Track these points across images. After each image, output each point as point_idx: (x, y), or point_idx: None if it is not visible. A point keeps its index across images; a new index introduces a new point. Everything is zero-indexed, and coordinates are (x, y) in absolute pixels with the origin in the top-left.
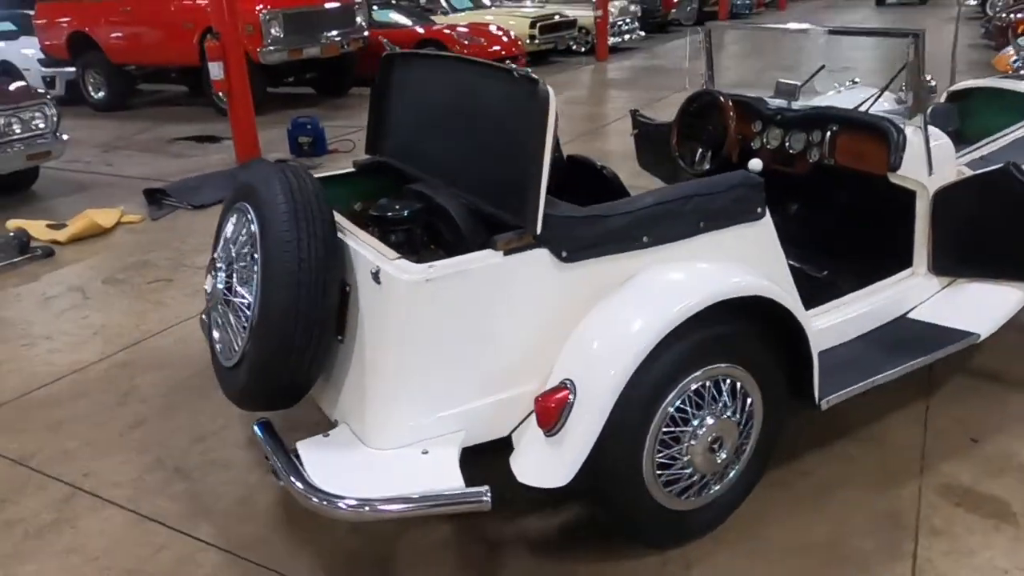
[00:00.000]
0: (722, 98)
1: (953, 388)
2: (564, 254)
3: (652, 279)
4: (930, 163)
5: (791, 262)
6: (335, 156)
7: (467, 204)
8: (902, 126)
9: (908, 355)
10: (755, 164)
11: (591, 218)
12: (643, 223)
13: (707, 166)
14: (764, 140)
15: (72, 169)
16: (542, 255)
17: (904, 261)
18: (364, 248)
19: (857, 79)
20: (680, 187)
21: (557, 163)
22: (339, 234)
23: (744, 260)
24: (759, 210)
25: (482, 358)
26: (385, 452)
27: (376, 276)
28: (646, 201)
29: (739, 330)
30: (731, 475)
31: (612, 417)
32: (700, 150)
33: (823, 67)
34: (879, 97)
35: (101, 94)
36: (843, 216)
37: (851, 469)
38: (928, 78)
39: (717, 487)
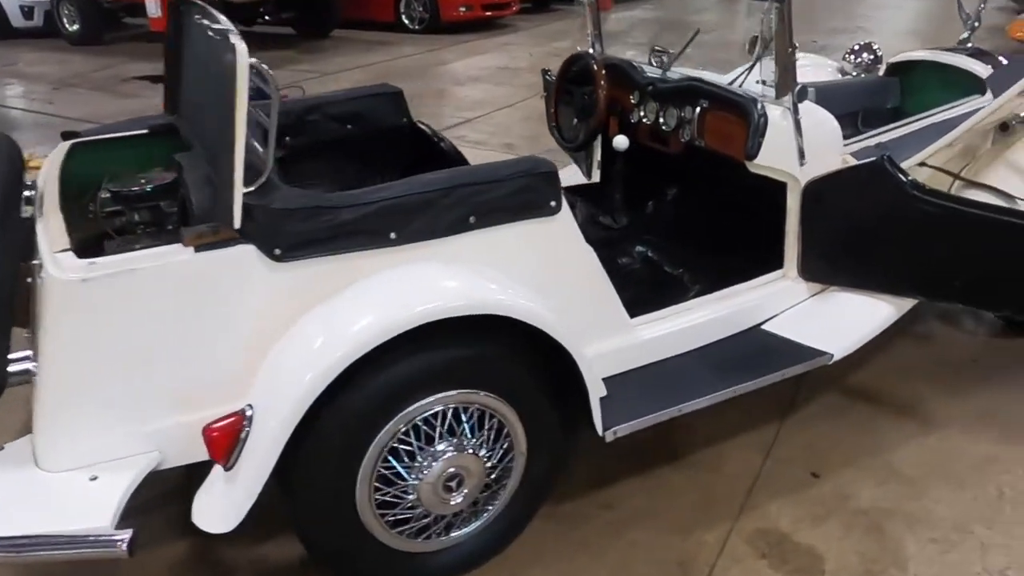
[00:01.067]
0: (594, 63)
1: (817, 407)
2: (277, 252)
3: (367, 288)
4: (801, 151)
5: (650, 255)
6: (283, 103)
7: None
8: (764, 106)
9: (740, 375)
10: (620, 141)
11: (316, 209)
12: (389, 216)
13: (581, 140)
14: (642, 113)
15: (11, 106)
16: (246, 253)
17: (775, 262)
18: (43, 234)
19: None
20: (449, 173)
21: (400, 132)
22: (37, 212)
23: (533, 263)
24: (553, 204)
25: (174, 371)
26: (51, 475)
27: (39, 270)
28: (396, 190)
29: (486, 353)
30: (488, 514)
31: (307, 450)
32: (576, 121)
33: (698, 32)
34: (751, 70)
35: (75, 26)
36: (718, 206)
37: (663, 503)
38: (874, 46)
39: (470, 527)
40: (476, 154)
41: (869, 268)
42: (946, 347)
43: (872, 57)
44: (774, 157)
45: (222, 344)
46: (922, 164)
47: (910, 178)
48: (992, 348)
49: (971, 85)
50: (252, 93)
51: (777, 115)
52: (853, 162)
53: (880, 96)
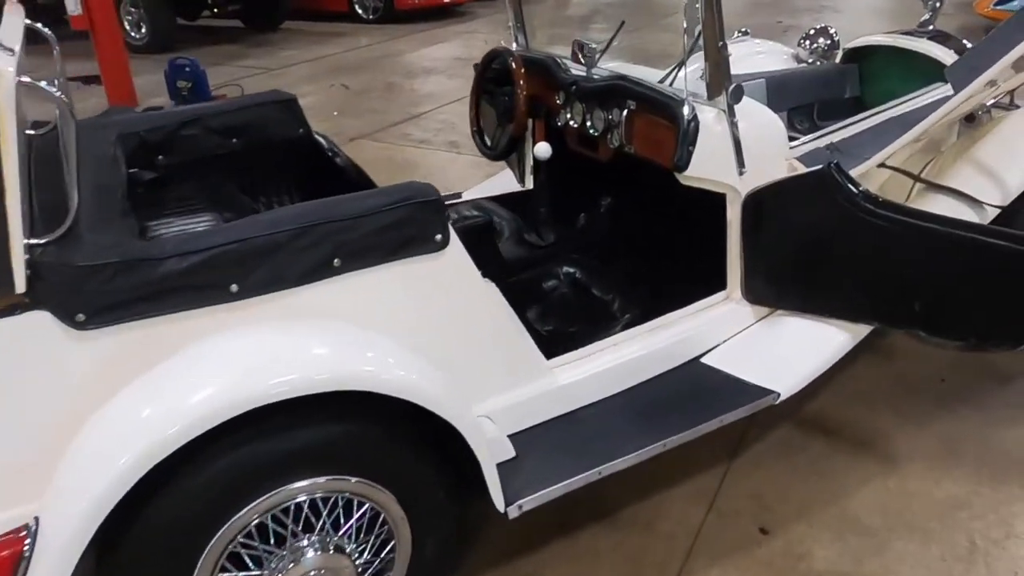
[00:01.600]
0: (512, 60)
1: (767, 446)
2: (80, 318)
3: (192, 359)
4: (739, 158)
5: (579, 277)
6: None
7: None
8: (694, 109)
9: (672, 424)
10: (541, 150)
11: (131, 263)
12: (228, 264)
13: (502, 147)
14: (568, 116)
15: None
16: (38, 321)
17: (718, 282)
18: None
19: (746, 29)
20: (305, 208)
21: (294, 146)
22: None
23: (414, 311)
24: (438, 237)
25: None
26: None
27: None
28: (236, 231)
29: (353, 430)
30: None
31: (128, 552)
32: (497, 126)
33: (623, 23)
34: (680, 67)
35: None
36: (656, 219)
37: (583, 572)
38: (830, 30)
39: None
40: (418, 153)
41: (819, 290)
42: (910, 363)
43: (828, 42)
44: (708, 167)
45: (9, 435)
46: (882, 166)
47: (861, 188)
48: (960, 365)
49: (933, 72)
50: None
51: (710, 119)
52: (799, 168)
53: (837, 86)
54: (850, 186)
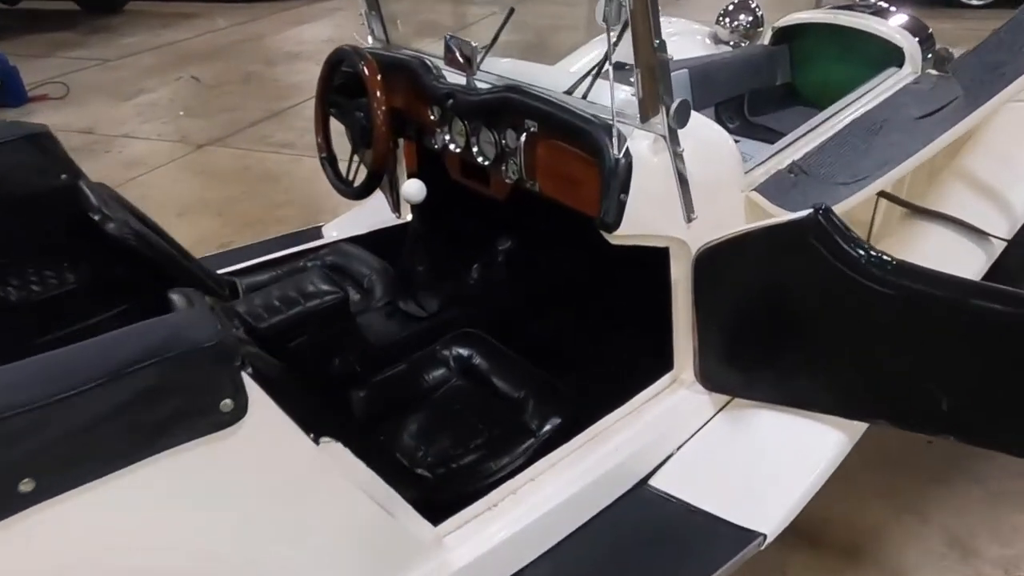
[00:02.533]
0: (364, 64)
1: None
2: None
3: None
4: (687, 201)
5: (476, 363)
6: (37, 107)
7: None
8: (624, 139)
9: None
10: (411, 190)
11: None
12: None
13: (362, 184)
14: (447, 137)
15: None
16: None
17: (662, 361)
18: None
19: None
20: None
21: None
22: None
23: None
24: (226, 404)
25: None
26: None
27: None
28: None
29: None
30: None
31: None
32: (353, 153)
33: (512, 11)
34: (598, 73)
35: None
36: (576, 275)
37: None
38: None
39: None
40: (281, 161)
41: (803, 378)
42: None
43: (751, 19)
44: (646, 218)
45: None
46: (883, 195)
47: (862, 243)
48: None
49: (881, 54)
50: None
51: (645, 150)
52: (761, 203)
53: (768, 72)
54: (847, 244)
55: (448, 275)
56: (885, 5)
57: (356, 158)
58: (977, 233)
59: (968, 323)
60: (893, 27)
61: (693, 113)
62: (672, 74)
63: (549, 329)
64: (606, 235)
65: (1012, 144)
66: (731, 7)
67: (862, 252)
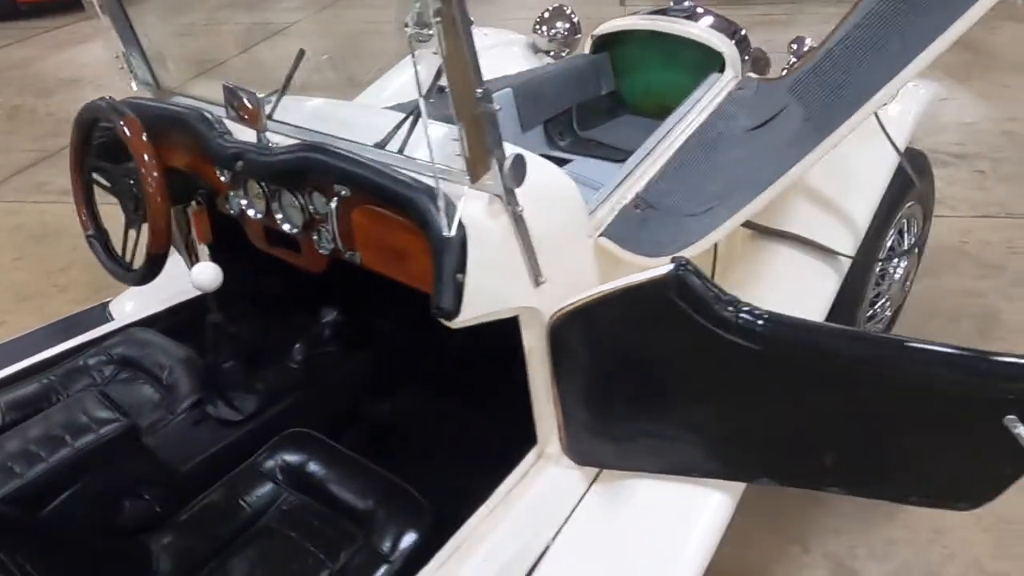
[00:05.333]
0: (125, 124)
1: None
2: None
3: None
4: (533, 264)
5: (310, 471)
6: None
7: None
8: (454, 208)
9: None
10: (201, 275)
11: None
12: None
13: (143, 267)
14: (243, 202)
15: None
16: None
17: (525, 436)
18: None
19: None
20: None
21: None
22: None
23: None
24: None
25: None
26: None
27: None
28: None
29: None
30: None
31: None
32: (128, 227)
33: (303, 52)
34: (414, 122)
35: None
36: (422, 350)
37: None
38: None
39: None
40: (60, 213)
41: (680, 444)
42: None
43: (568, 27)
44: (488, 295)
45: None
46: (749, 225)
47: (732, 302)
48: None
49: (701, 60)
50: None
51: (480, 215)
52: (611, 249)
53: (592, 83)
54: (712, 299)
55: (264, 364)
56: (701, 10)
57: (133, 233)
58: (824, 251)
59: (846, 373)
60: (709, 31)
61: (527, 155)
62: (497, 93)
63: (394, 414)
64: (445, 323)
65: (850, 151)
66: (547, 15)
67: (730, 308)
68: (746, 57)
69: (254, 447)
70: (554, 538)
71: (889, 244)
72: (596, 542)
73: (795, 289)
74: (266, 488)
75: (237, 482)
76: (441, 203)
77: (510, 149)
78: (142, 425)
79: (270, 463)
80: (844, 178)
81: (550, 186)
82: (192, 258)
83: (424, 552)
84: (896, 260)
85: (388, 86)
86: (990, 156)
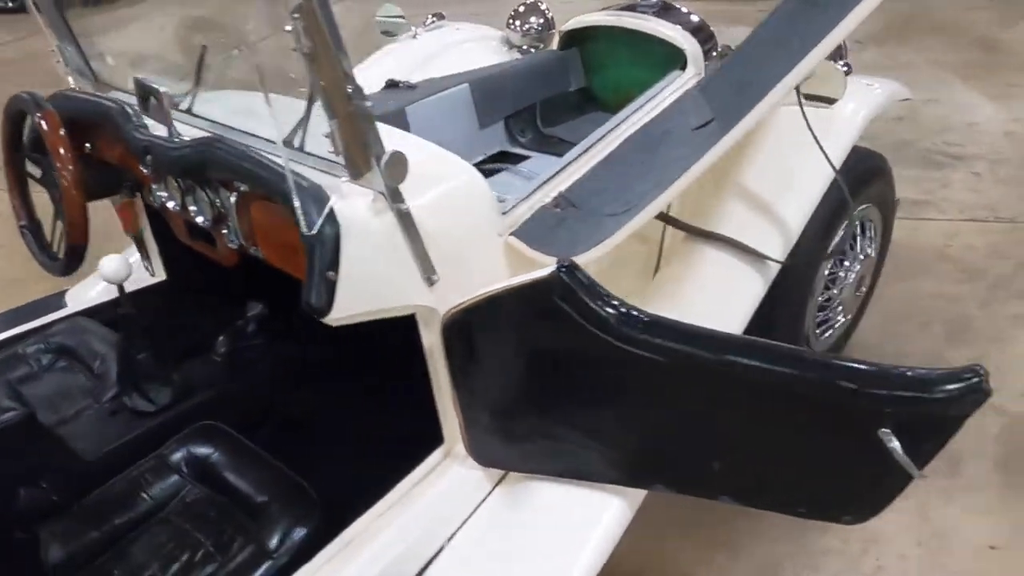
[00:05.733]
0: (42, 117)
1: None
2: None
3: None
4: (424, 261)
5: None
6: None
7: None
8: (331, 204)
9: None
10: (108, 268)
11: None
12: None
13: (64, 255)
14: (164, 195)
15: None
16: None
17: (433, 433)
18: None
19: (441, 14)
20: None
21: None
22: None
23: None
24: None
25: None
26: None
27: None
28: None
29: None
30: None
31: None
32: (56, 217)
33: (206, 48)
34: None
35: None
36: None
37: None
38: (541, 6)
39: None
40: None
41: (574, 448)
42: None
43: (541, 22)
44: (370, 292)
45: None
46: (663, 218)
47: (611, 302)
48: None
49: (665, 56)
50: None
51: (362, 213)
52: (521, 249)
53: (560, 78)
54: (594, 302)
55: (188, 356)
56: (666, 3)
57: (60, 224)
58: (753, 256)
59: (727, 380)
60: (673, 27)
61: (437, 152)
62: (453, 89)
63: (312, 409)
64: (320, 319)
65: (789, 153)
66: (521, 8)
67: (611, 310)
68: (714, 53)
69: (165, 438)
70: (450, 539)
71: (834, 247)
72: (491, 545)
73: (720, 291)
74: (171, 480)
75: (142, 473)
76: (310, 200)
77: (390, 146)
78: (68, 414)
79: (177, 455)
80: (781, 180)
81: (456, 183)
82: (141, 250)
83: (311, 548)
84: (847, 263)
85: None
86: (989, 158)
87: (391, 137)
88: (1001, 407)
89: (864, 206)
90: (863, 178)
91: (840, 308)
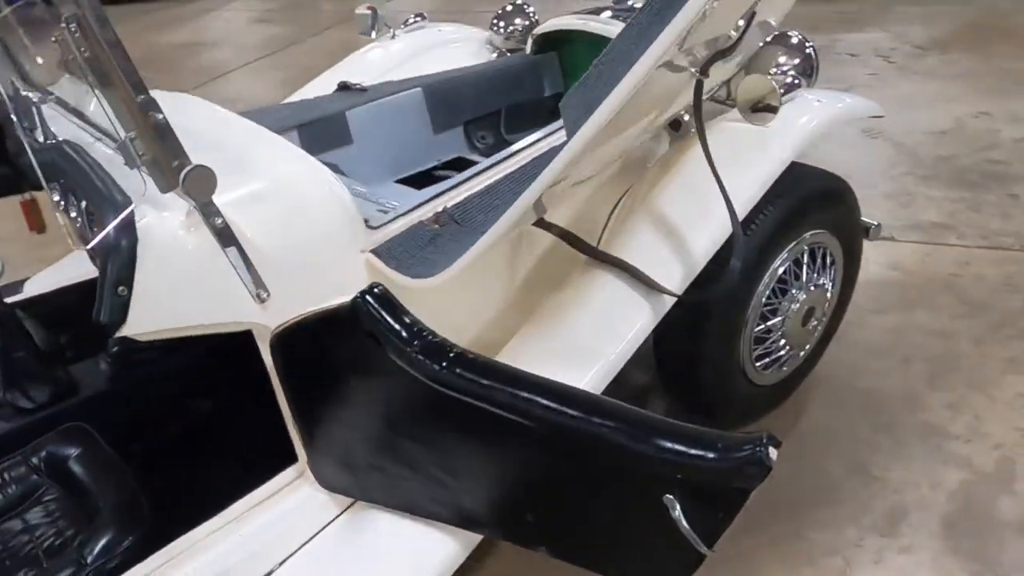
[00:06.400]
0: None
1: None
2: None
3: None
4: (252, 275)
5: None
6: None
7: None
8: (133, 219)
9: None
10: None
11: None
12: None
13: None
14: (56, 197)
15: None
16: None
17: (288, 453)
18: None
19: (422, 15)
20: None
21: None
22: None
23: None
24: None
25: None
26: None
27: None
28: None
29: None
30: None
31: None
32: None
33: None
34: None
35: None
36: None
37: None
38: (528, 8)
39: None
40: None
41: (398, 481)
42: None
43: (526, 23)
44: (167, 308)
45: None
46: (542, 224)
47: (418, 333)
48: None
49: None
50: None
51: (168, 226)
52: (380, 268)
53: (532, 83)
54: (397, 331)
55: (77, 357)
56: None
57: None
58: (647, 286)
59: (525, 424)
60: None
61: (297, 165)
62: (404, 94)
63: (193, 416)
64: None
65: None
66: (508, 8)
67: (416, 343)
68: None
69: (39, 436)
70: (282, 563)
71: (771, 274)
72: (323, 572)
73: (605, 319)
74: (31, 479)
75: (3, 470)
76: (109, 210)
77: (196, 160)
78: None
79: (39, 455)
80: (698, 205)
81: (308, 197)
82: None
83: (134, 558)
84: (793, 292)
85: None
86: None
87: (273, 148)
88: (966, 459)
89: (814, 232)
90: (811, 202)
91: (784, 342)
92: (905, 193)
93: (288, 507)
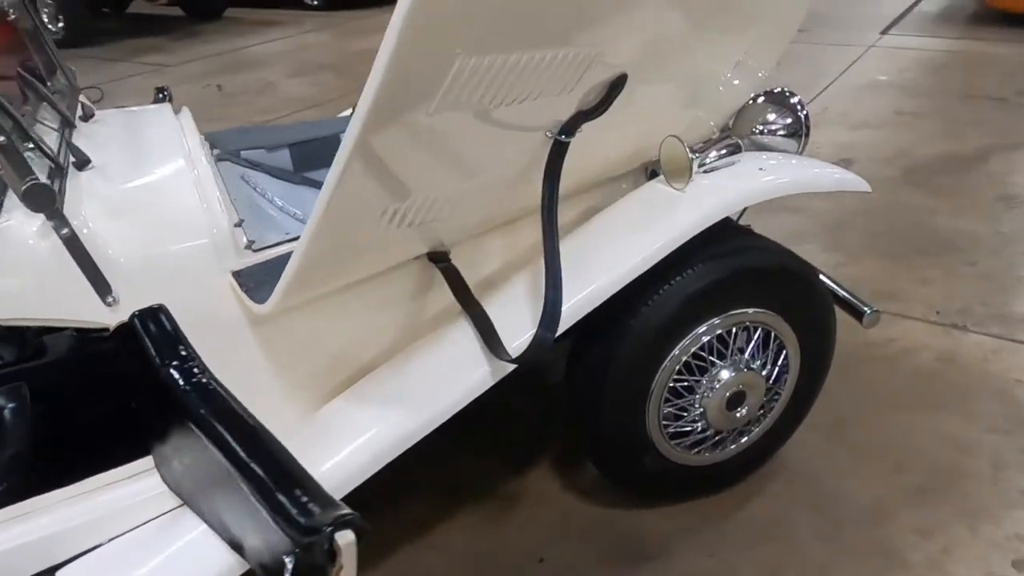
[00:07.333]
0: None
1: None
2: None
3: None
4: (97, 280)
5: None
6: None
7: None
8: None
9: None
10: None
11: None
12: None
13: None
14: None
15: None
16: None
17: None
18: None
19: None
20: None
21: None
22: None
23: None
24: None
25: None
26: None
27: None
28: None
29: None
30: None
31: None
32: None
33: None
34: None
35: None
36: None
37: None
38: None
39: None
40: None
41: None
42: (499, 528)
43: None
44: (17, 304)
45: None
46: (431, 256)
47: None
48: (566, 532)
49: None
50: None
51: (17, 231)
52: (235, 288)
53: None
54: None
55: None
56: None
57: None
58: (494, 343)
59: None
60: None
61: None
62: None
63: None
64: None
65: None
66: None
67: (176, 363)
68: None
69: None
70: (111, 540)
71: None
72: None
73: (451, 372)
74: None
75: None
76: None
77: (42, 177)
78: None
79: None
80: (575, 268)
81: (178, 218)
82: None
83: None
84: (713, 372)
85: None
86: None
87: (176, 171)
88: None
89: (753, 310)
90: (747, 278)
91: (702, 424)
92: (1013, 277)
93: (132, 492)
